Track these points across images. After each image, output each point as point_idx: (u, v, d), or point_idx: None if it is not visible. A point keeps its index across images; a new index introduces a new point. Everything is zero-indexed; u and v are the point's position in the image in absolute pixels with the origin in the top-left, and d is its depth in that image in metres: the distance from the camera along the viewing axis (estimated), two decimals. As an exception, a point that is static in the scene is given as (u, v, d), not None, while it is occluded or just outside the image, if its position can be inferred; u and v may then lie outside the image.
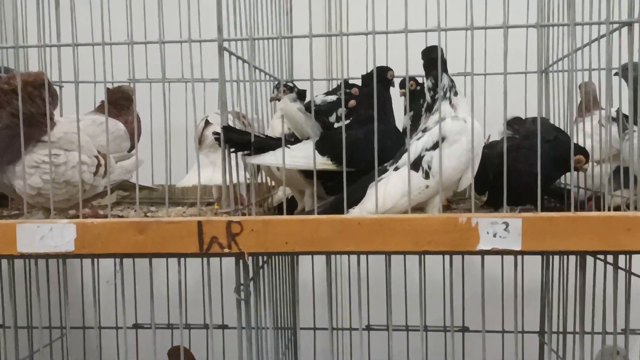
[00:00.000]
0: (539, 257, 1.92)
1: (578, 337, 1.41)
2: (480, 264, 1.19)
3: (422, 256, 1.21)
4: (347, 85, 1.66)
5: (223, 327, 2.09)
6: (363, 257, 1.58)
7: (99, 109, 1.75)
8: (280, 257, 1.76)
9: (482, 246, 1.07)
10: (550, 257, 1.87)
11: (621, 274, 1.23)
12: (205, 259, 1.35)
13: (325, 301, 1.32)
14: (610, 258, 1.27)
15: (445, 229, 1.09)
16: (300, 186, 1.51)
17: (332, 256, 1.38)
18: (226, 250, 1.18)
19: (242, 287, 1.26)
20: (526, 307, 1.99)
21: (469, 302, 2.04)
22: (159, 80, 1.30)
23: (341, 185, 1.20)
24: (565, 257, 1.70)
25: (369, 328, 2.21)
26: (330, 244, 1.14)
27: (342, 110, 1.40)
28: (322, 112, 1.56)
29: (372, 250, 1.14)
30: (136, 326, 2.12)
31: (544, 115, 1.71)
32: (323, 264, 1.39)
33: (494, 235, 1.07)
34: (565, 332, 1.67)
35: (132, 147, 1.76)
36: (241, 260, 1.24)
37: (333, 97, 1.69)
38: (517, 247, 1.06)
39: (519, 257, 1.35)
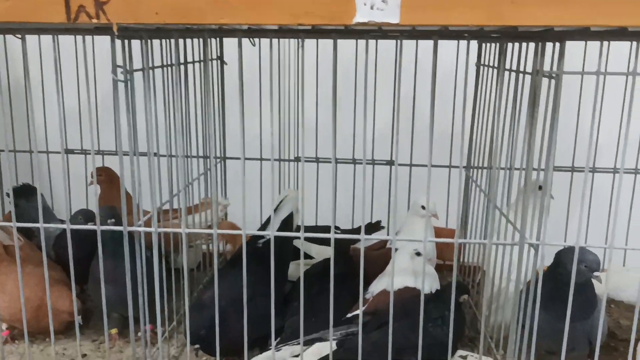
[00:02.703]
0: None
1: (503, 172, 1.41)
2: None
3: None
4: None
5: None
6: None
7: None
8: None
9: (358, 19, 0.98)
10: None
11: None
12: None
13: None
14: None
15: (323, 0, 1.00)
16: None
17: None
18: (94, 21, 1.08)
19: (119, 68, 1.19)
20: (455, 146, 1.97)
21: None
22: None
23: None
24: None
25: (297, 159, 2.18)
26: (204, 15, 1.06)
27: None
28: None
29: (248, 23, 1.05)
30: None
31: None
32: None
33: (371, 7, 0.98)
34: (490, 168, 1.65)
35: None
36: (116, 39, 1.17)
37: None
38: (396, 20, 0.97)
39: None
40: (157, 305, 1.33)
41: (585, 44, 1.75)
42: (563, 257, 1.31)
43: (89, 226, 1.32)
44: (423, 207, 1.71)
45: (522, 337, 1.26)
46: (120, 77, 1.20)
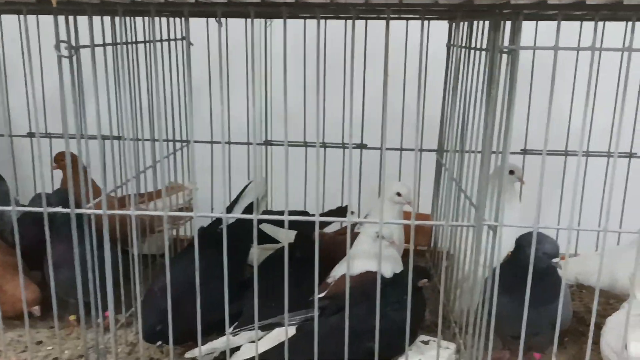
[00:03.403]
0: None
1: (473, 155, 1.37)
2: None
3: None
4: None
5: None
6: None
7: None
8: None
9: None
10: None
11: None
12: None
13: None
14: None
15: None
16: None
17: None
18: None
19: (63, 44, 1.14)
20: (426, 130, 1.93)
21: (368, 121, 1.98)
22: None
23: None
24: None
25: (267, 143, 2.15)
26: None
27: None
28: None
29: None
30: None
31: None
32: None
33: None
34: (463, 151, 1.62)
35: None
36: (61, 14, 1.12)
37: None
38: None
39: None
40: (109, 291, 1.29)
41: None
42: (522, 241, 1.28)
43: (35, 209, 1.27)
44: (399, 194, 1.67)
45: (481, 322, 1.23)
46: (64, 52, 1.15)
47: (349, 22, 1.83)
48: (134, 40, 1.49)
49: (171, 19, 1.70)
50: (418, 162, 1.19)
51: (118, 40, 1.34)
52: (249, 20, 1.99)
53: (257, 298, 1.51)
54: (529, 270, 1.15)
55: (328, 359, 1.27)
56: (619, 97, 1.16)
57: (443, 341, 1.40)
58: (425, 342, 1.40)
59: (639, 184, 1.97)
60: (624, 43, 1.81)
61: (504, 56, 1.10)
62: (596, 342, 1.37)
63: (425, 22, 1.31)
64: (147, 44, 1.52)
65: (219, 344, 1.37)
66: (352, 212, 1.95)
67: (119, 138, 1.36)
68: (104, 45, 1.29)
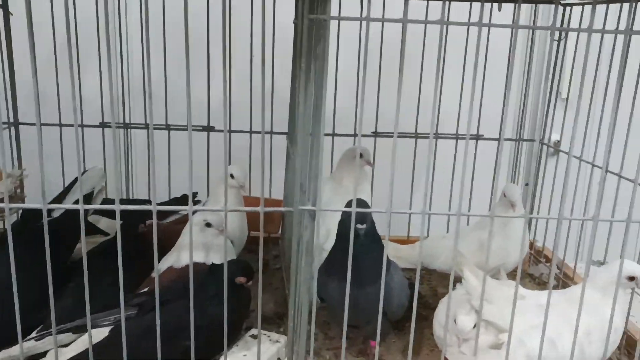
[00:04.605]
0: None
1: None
2: None
3: None
4: None
5: None
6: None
7: None
8: None
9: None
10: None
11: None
12: None
13: None
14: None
15: None
16: None
17: None
18: None
19: None
20: (275, 110, 1.84)
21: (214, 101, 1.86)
22: None
23: None
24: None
25: (208, 129, 1.96)
26: None
27: None
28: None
29: None
30: None
31: None
32: None
33: None
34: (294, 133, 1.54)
35: None
36: None
37: None
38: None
39: None
40: None
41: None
42: (342, 220, 1.23)
43: None
44: (232, 176, 1.57)
45: (299, 312, 1.16)
46: None
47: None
48: None
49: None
50: (264, 145, 1.09)
51: None
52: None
53: (72, 297, 1.37)
54: (349, 247, 1.08)
55: (141, 360, 1.15)
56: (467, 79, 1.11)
57: (274, 334, 1.31)
58: (254, 337, 1.31)
59: (486, 166, 1.99)
60: (469, 18, 1.83)
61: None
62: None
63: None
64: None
65: (15, 351, 1.20)
66: (199, 200, 1.84)
67: None
68: None
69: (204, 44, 1.76)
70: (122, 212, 1.12)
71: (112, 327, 1.24)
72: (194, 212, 1.03)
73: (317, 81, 1.03)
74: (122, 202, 1.69)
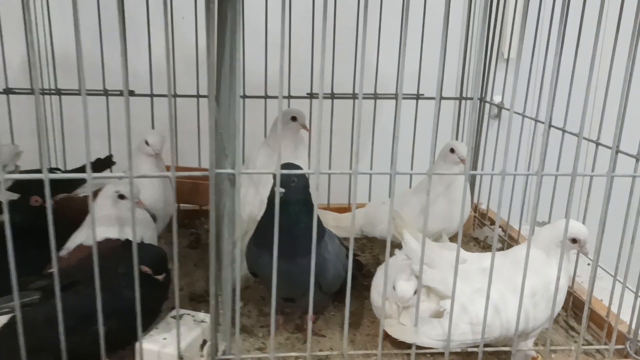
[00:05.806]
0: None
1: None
2: None
3: None
4: None
5: None
6: None
7: None
8: None
9: None
10: None
11: None
12: None
13: None
14: None
15: None
16: None
17: None
18: None
19: None
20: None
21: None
22: None
23: None
24: None
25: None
26: None
27: None
28: None
29: None
30: None
31: None
32: None
33: None
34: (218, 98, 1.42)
35: None
36: None
37: None
38: None
39: None
40: None
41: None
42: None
43: None
44: (147, 143, 1.43)
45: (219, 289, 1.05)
46: None
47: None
48: None
49: None
50: (172, 108, 0.96)
51: None
52: None
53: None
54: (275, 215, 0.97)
55: (46, 351, 1.02)
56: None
57: (200, 314, 1.19)
58: (178, 317, 1.18)
59: (430, 128, 1.91)
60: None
61: None
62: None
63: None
64: None
65: None
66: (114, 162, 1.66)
67: None
68: None
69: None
70: (26, 185, 0.97)
71: (11, 315, 1.10)
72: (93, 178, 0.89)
73: (231, 27, 0.91)
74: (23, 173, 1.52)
